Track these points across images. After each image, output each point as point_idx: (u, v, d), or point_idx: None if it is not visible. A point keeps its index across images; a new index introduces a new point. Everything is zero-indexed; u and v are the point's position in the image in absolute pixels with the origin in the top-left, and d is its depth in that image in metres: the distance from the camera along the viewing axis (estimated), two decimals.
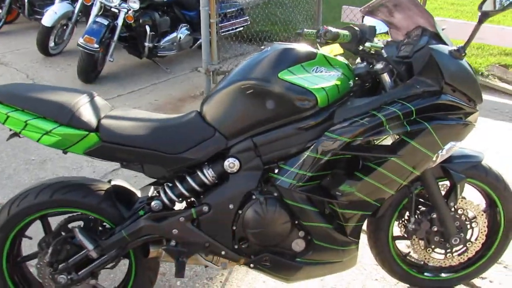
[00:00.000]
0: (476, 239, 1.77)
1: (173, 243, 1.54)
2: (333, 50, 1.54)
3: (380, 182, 1.44)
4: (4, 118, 1.37)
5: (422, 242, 1.75)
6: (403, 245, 1.98)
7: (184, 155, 1.46)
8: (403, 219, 1.75)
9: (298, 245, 1.54)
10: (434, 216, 1.67)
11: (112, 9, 4.37)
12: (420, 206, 1.72)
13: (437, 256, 1.80)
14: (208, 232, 1.51)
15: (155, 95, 4.34)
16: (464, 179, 1.63)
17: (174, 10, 4.92)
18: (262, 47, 1.53)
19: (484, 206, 1.80)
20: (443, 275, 1.86)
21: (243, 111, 1.44)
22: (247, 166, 1.47)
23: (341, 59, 1.54)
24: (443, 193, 1.68)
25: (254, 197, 1.48)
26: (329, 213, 1.53)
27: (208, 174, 1.48)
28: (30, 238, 1.64)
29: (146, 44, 4.48)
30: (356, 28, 1.40)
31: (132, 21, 4.38)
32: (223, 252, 1.54)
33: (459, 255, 1.79)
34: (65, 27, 5.15)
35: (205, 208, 1.49)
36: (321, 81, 1.41)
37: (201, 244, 1.52)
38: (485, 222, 1.75)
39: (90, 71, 4.34)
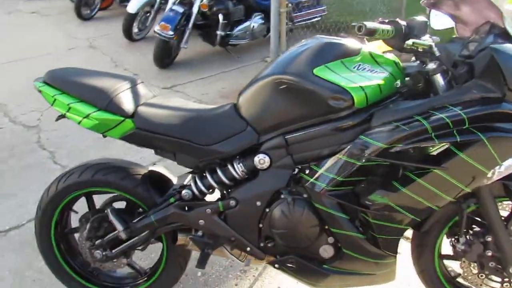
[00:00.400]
0: None
1: (200, 233, 1.54)
2: (381, 47, 1.41)
3: (420, 196, 1.30)
4: (52, 101, 1.47)
5: (474, 266, 1.56)
6: (455, 265, 1.79)
7: (214, 147, 1.45)
8: (454, 237, 1.57)
9: (326, 251, 1.46)
10: (489, 239, 1.47)
11: None
12: (474, 226, 1.53)
13: (492, 284, 1.59)
14: (234, 227, 1.49)
15: (224, 82, 4.41)
16: None
17: None
18: (303, 40, 1.45)
19: None
20: None
21: (276, 106, 1.38)
22: (278, 164, 1.42)
23: (390, 56, 1.40)
24: (506, 213, 1.48)
25: (282, 196, 1.43)
26: (361, 222, 1.42)
27: (238, 169, 1.46)
28: (76, 212, 1.75)
29: (218, 32, 4.55)
30: (402, 23, 1.26)
31: (207, 9, 4.47)
32: (248, 249, 1.51)
33: None
34: (148, 14, 5.45)
35: (232, 203, 1.47)
36: (361, 79, 1.30)
37: (226, 237, 1.51)
38: None
39: (165, 57, 4.54)
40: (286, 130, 1.39)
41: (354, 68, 1.33)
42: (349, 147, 1.30)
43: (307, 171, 1.40)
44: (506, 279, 1.53)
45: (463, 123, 1.23)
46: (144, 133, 1.45)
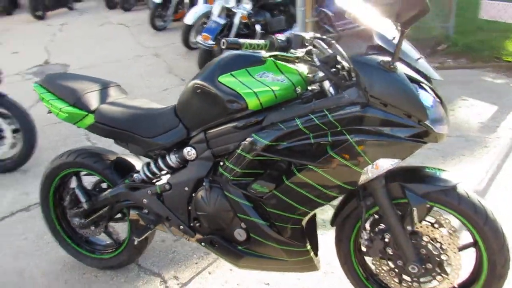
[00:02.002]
0: (449, 276, 1.58)
1: (145, 211, 1.86)
2: None
3: (302, 188, 1.47)
4: (41, 98, 1.91)
5: (384, 263, 1.66)
6: None
7: (155, 139, 1.76)
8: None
9: (240, 235, 1.67)
10: (388, 237, 1.57)
11: (233, 10, 4.89)
12: (381, 224, 1.62)
13: (408, 283, 1.66)
14: (169, 207, 1.79)
15: None
16: (424, 203, 1.48)
17: (290, 9, 5.16)
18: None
19: (472, 240, 1.57)
20: None
21: (196, 107, 1.64)
22: (201, 156, 1.68)
23: (297, 66, 1.58)
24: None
25: (204, 184, 1.68)
26: (263, 210, 1.61)
27: (173, 159, 1.75)
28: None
29: None
30: (277, 38, 1.44)
31: (247, 20, 4.81)
32: (181, 227, 1.79)
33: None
34: (204, 25, 5.96)
35: (167, 186, 1.76)
36: (258, 86, 1.50)
37: (164, 216, 1.81)
38: (459, 259, 1.54)
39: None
40: (205, 128, 1.65)
41: (257, 75, 1.54)
42: (243, 143, 1.51)
43: (221, 163, 1.64)
44: (414, 279, 1.60)
45: (335, 125, 1.38)
46: (102, 126, 1.82)
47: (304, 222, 1.59)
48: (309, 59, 1.47)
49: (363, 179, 1.43)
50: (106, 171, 1.94)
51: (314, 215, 1.71)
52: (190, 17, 5.73)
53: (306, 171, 1.44)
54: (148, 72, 5.49)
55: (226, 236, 1.71)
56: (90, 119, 1.83)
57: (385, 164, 1.40)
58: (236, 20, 4.85)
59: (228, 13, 4.99)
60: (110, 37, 7.74)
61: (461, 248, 1.56)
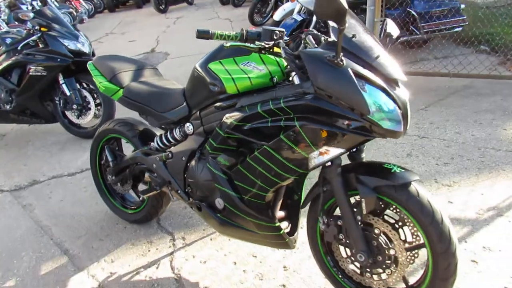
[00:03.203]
0: (396, 271, 1.60)
1: (155, 174, 2.20)
2: None
3: (259, 166, 1.63)
4: (91, 74, 2.36)
5: (342, 249, 1.74)
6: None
7: (165, 114, 2.07)
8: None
9: (219, 203, 1.90)
10: (340, 223, 1.66)
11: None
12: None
13: (356, 270, 1.73)
14: (171, 173, 2.09)
15: None
16: (373, 196, 1.54)
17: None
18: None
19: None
20: None
21: (194, 89, 1.90)
22: (197, 131, 1.95)
23: (280, 59, 1.73)
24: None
25: (195, 155, 1.95)
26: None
27: (177, 132, 2.05)
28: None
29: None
30: (248, 30, 1.59)
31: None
32: (178, 191, 2.09)
33: (379, 278, 1.67)
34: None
35: (170, 155, 2.07)
36: (239, 73, 1.70)
37: (166, 180, 2.12)
38: (405, 256, 1.57)
39: None
40: (200, 107, 1.91)
41: (241, 64, 1.73)
42: (219, 121, 1.74)
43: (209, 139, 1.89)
44: (367, 268, 1.66)
45: (287, 112, 1.52)
46: (128, 99, 2.20)
47: (267, 199, 1.75)
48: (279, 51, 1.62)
49: (312, 164, 1.55)
50: (134, 138, 2.33)
51: (298, 195, 1.85)
52: (278, 14, 6.02)
53: (262, 150, 1.60)
54: None
55: (209, 203, 1.95)
56: (120, 93, 2.23)
57: (331, 152, 1.50)
58: (315, 17, 4.98)
59: (310, 11, 5.14)
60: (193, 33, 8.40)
61: (411, 247, 1.58)
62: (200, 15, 11.12)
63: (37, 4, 4.21)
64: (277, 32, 1.61)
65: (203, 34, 1.58)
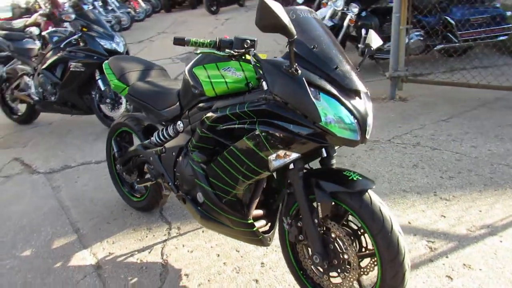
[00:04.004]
0: (348, 276, 1.65)
1: (152, 166, 2.38)
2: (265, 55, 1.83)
3: (227, 164, 1.75)
4: (105, 73, 2.59)
5: (305, 250, 1.81)
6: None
7: (161, 111, 2.25)
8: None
9: (200, 197, 2.03)
10: (300, 224, 1.73)
11: (344, 12, 5.04)
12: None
13: (315, 271, 1.79)
14: (164, 166, 2.27)
15: None
16: (329, 201, 1.59)
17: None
18: None
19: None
20: None
21: (183, 90, 2.05)
22: (185, 129, 2.10)
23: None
24: None
25: (183, 151, 2.11)
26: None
27: (171, 129, 2.21)
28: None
29: (359, 45, 4.90)
30: (221, 39, 1.69)
31: (353, 24, 4.90)
32: (169, 183, 2.25)
33: (335, 282, 1.72)
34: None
35: (163, 150, 2.24)
36: (218, 77, 1.82)
37: (160, 172, 2.30)
38: (356, 261, 1.61)
39: None
40: (189, 107, 2.05)
41: (222, 69, 1.85)
42: (198, 122, 1.87)
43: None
44: (321, 269, 1.72)
45: (251, 116, 1.62)
46: (132, 97, 2.40)
47: (239, 196, 1.85)
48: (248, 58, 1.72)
49: (272, 166, 1.63)
50: (139, 132, 2.54)
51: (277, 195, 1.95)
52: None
53: (229, 150, 1.72)
54: None
55: (193, 197, 2.10)
56: (126, 91, 2.44)
57: (289, 156, 1.58)
58: (345, 23, 4.98)
59: (343, 16, 5.15)
60: (257, 32, 8.56)
61: (362, 254, 1.62)
62: (248, 17, 11.34)
63: (98, 4, 4.62)
64: (248, 41, 1.70)
65: (178, 41, 1.73)
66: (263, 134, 1.57)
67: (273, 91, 1.53)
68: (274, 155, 1.60)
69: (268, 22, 1.35)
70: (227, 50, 1.71)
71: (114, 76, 2.51)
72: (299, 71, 1.48)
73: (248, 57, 1.72)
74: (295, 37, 1.42)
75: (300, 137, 1.51)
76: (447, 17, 4.90)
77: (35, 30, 5.83)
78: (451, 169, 2.84)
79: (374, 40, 1.88)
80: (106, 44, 4.04)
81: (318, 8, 8.05)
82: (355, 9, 4.80)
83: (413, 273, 1.98)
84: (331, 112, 1.48)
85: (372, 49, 1.86)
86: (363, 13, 5.01)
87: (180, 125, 2.12)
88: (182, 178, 2.11)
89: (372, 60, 5.21)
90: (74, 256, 2.44)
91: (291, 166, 1.66)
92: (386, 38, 4.98)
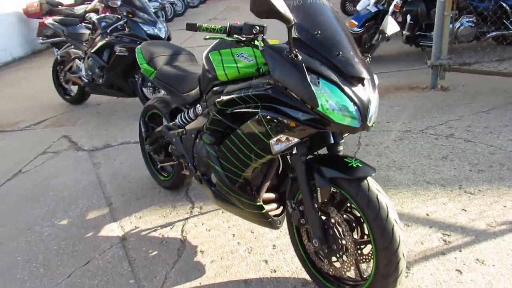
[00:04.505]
0: (345, 262, 1.67)
1: (174, 147, 2.51)
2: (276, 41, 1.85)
3: (234, 147, 1.81)
4: (137, 57, 2.74)
5: (307, 234, 1.85)
6: None
7: (183, 95, 2.36)
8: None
9: (213, 178, 2.12)
10: (302, 208, 1.76)
11: None
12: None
13: (318, 256, 1.82)
14: (184, 148, 2.38)
15: (383, 79, 4.61)
16: (328, 187, 1.62)
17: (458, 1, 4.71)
18: None
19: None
20: (329, 283, 1.83)
21: (202, 74, 2.13)
22: (203, 112, 2.19)
23: None
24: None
25: (200, 133, 2.20)
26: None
27: (191, 112, 2.32)
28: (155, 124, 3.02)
29: (404, 32, 4.72)
30: (232, 24, 1.73)
31: (398, 10, 4.72)
32: (189, 164, 2.37)
33: (334, 267, 1.74)
34: None
35: (184, 132, 2.35)
36: (231, 62, 1.88)
37: (181, 153, 2.42)
38: (353, 247, 1.62)
39: None
40: (206, 90, 2.14)
41: (236, 55, 1.91)
42: (206, 104, 1.95)
43: None
44: (322, 254, 1.76)
45: (255, 100, 1.67)
46: (158, 80, 2.52)
47: (248, 178, 1.91)
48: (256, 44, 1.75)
49: (274, 150, 1.68)
50: (166, 114, 2.67)
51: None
52: (361, 4, 5.88)
53: (236, 133, 1.78)
54: None
55: (208, 177, 2.19)
56: (154, 74, 2.57)
57: (290, 140, 1.62)
58: (391, 9, 4.82)
59: (390, 1, 4.98)
60: None
61: (359, 241, 1.64)
62: None
63: None
64: (257, 27, 1.74)
65: (191, 27, 1.80)
66: (264, 118, 1.61)
67: (274, 76, 1.56)
68: (275, 139, 1.64)
69: (262, 8, 1.38)
70: (235, 36, 1.75)
71: (144, 60, 2.65)
72: (299, 57, 1.51)
73: (257, 42, 1.76)
74: (293, 23, 1.44)
75: (299, 122, 1.54)
76: (502, 3, 4.58)
77: (94, 16, 6.18)
78: (482, 162, 2.72)
79: (390, 26, 1.84)
80: (149, 29, 4.22)
81: None
82: None
83: (421, 264, 1.96)
84: (330, 98, 1.49)
85: (386, 35, 1.83)
86: None
87: (199, 108, 2.21)
88: (199, 159, 2.21)
89: (418, 48, 5.00)
90: (104, 228, 2.65)
91: (294, 151, 1.69)
92: (429, 24, 4.78)
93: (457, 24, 4.70)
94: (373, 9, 4.87)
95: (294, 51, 1.50)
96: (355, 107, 1.51)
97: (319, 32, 1.57)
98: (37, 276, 2.29)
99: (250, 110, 1.69)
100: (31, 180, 3.45)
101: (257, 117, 1.65)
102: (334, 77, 1.51)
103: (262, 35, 1.74)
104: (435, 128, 3.28)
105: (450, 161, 2.79)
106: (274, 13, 1.38)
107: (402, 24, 4.83)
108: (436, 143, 3.03)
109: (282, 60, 1.54)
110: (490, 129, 3.13)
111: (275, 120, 1.59)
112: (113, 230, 2.61)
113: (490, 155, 2.79)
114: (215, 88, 1.98)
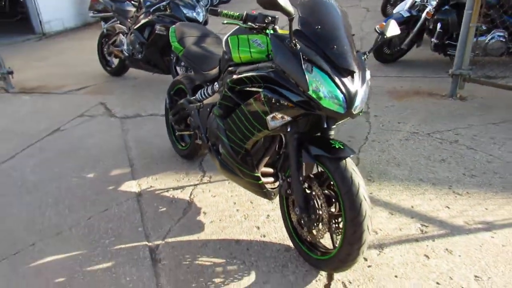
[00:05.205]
0: (319, 231, 1.91)
1: (192, 119, 2.80)
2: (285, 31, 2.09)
3: (239, 120, 2.07)
4: (170, 36, 3.04)
5: (292, 203, 2.09)
6: None
7: (205, 73, 2.64)
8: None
9: (220, 148, 2.40)
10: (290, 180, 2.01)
11: (425, 4, 4.96)
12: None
13: (299, 224, 2.06)
14: (200, 119, 2.67)
15: (406, 83, 4.73)
16: (312, 163, 1.86)
17: (494, 13, 4.74)
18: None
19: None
20: (312, 252, 2.07)
21: (222, 56, 2.41)
22: (219, 89, 2.47)
23: None
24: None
25: (214, 107, 2.48)
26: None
27: (210, 88, 2.60)
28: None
29: (433, 39, 4.80)
30: (248, 13, 1.96)
31: (430, 17, 4.81)
32: (202, 135, 2.65)
33: (311, 234, 1.99)
34: None
35: (201, 105, 2.64)
36: (246, 47, 2.13)
37: (197, 125, 2.71)
38: (327, 218, 1.86)
39: (381, 53, 5.27)
40: (224, 70, 2.41)
41: (251, 40, 2.16)
42: (222, 82, 2.22)
43: None
44: (302, 221, 2.00)
45: (258, 81, 1.92)
46: (185, 58, 2.81)
47: (249, 149, 2.17)
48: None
49: (270, 125, 1.93)
50: (189, 90, 2.97)
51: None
52: (398, 7, 5.98)
53: (240, 108, 2.05)
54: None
55: (216, 147, 2.47)
56: (182, 52, 2.87)
57: (282, 118, 1.86)
58: (423, 15, 4.91)
59: (423, 8, 5.07)
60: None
61: (333, 214, 1.87)
62: (342, 1, 11.24)
63: None
64: (269, 17, 1.98)
65: (213, 12, 2.07)
66: (264, 97, 1.87)
67: (276, 61, 1.81)
68: (271, 116, 1.89)
69: (265, 1, 1.62)
70: (249, 24, 2.01)
71: (175, 39, 2.95)
72: (298, 46, 1.75)
73: (268, 31, 2.01)
74: (293, 16, 1.69)
75: (292, 103, 1.78)
76: None
77: None
78: (477, 168, 2.86)
79: (391, 29, 2.04)
80: (188, 12, 4.54)
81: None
82: (433, 1, 4.70)
83: (395, 247, 2.17)
84: (321, 84, 1.72)
85: (385, 37, 2.03)
86: (445, 7, 4.88)
87: (216, 85, 2.49)
88: (210, 131, 2.49)
89: (446, 57, 5.06)
90: (124, 184, 2.99)
91: (289, 129, 1.94)
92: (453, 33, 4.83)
93: (488, 37, 4.73)
94: (405, 14, 4.97)
95: (294, 41, 1.74)
96: (342, 95, 1.73)
97: (319, 27, 1.80)
98: (62, 216, 2.66)
99: (254, 89, 1.95)
100: (67, 137, 3.86)
101: (258, 95, 1.90)
102: (326, 66, 1.74)
103: (273, 25, 1.99)
104: (442, 133, 3.42)
105: (448, 164, 2.94)
106: (275, 6, 1.62)
107: (432, 32, 4.92)
108: (439, 147, 3.18)
109: (283, 48, 1.78)
110: (495, 140, 3.25)
111: (273, 99, 1.84)
112: (131, 186, 2.95)
113: (487, 163, 2.93)
114: (230, 68, 2.24)
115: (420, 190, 2.65)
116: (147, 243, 2.34)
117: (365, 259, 2.09)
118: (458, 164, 2.93)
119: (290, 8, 1.65)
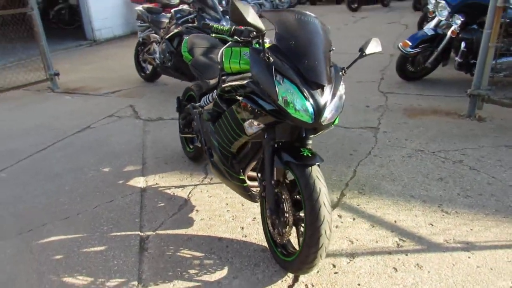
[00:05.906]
0: (285, 233, 2.03)
1: (195, 122, 3.00)
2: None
3: (223, 125, 2.24)
4: (182, 46, 3.28)
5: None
6: None
7: (207, 81, 2.84)
8: None
9: (213, 151, 2.58)
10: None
11: (450, 23, 4.92)
12: None
13: (270, 225, 2.18)
14: (201, 124, 2.87)
15: (425, 101, 4.68)
16: (281, 168, 1.99)
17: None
18: None
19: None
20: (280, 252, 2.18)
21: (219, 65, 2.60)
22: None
23: None
24: None
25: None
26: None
27: (210, 95, 2.79)
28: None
29: (457, 58, 4.74)
30: (236, 27, 2.12)
31: (455, 36, 4.76)
32: (201, 138, 2.85)
33: (279, 235, 2.10)
34: None
35: (202, 111, 2.84)
36: (236, 58, 2.30)
37: (198, 129, 2.91)
38: (291, 221, 1.97)
39: (404, 70, 5.25)
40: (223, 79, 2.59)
41: (242, 53, 2.33)
42: (215, 90, 2.40)
43: None
44: (275, 224, 2.13)
45: (240, 90, 2.08)
46: (193, 67, 3.03)
47: (234, 153, 2.33)
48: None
49: (248, 131, 2.08)
50: (198, 96, 3.18)
51: None
52: (427, 25, 5.94)
53: (224, 114, 2.22)
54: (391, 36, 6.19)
55: (210, 150, 2.65)
56: (191, 61, 3.09)
57: (257, 124, 2.01)
58: (448, 34, 4.87)
59: (448, 26, 5.02)
60: (379, 33, 8.57)
61: (297, 217, 1.98)
62: (385, 18, 11.20)
63: None
64: (254, 32, 2.14)
65: (205, 26, 2.26)
66: (241, 104, 2.03)
67: (252, 72, 1.97)
68: (248, 122, 2.05)
69: (236, 18, 1.79)
70: (235, 37, 2.18)
71: (186, 49, 3.18)
72: (271, 59, 1.89)
73: (254, 45, 2.17)
74: (264, 32, 1.84)
75: (264, 111, 1.93)
76: None
77: (186, 7, 6.97)
78: (474, 189, 2.83)
79: (372, 46, 2.13)
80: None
81: (425, 16, 7.74)
82: (458, 20, 4.65)
83: (366, 257, 2.23)
84: (289, 95, 1.85)
85: (364, 54, 2.12)
86: (472, 26, 4.81)
87: (215, 93, 2.68)
88: (205, 135, 2.68)
89: (471, 76, 4.96)
90: (133, 179, 3.24)
91: (265, 136, 2.08)
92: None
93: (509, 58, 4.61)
94: (430, 32, 4.93)
95: (267, 54, 1.89)
96: (311, 107, 1.85)
97: (293, 42, 1.94)
98: (74, 202, 2.94)
99: (237, 97, 2.11)
100: (94, 135, 4.21)
101: (238, 102, 2.06)
102: (296, 79, 1.87)
103: (257, 39, 2.15)
104: (447, 152, 3.39)
105: (445, 183, 2.93)
106: (245, 23, 1.78)
107: (456, 51, 4.85)
108: (440, 165, 3.17)
109: (259, 60, 1.94)
110: (502, 162, 3.18)
111: (249, 107, 1.99)
112: (139, 182, 3.19)
113: (487, 185, 2.89)
114: (222, 77, 2.43)
115: (409, 206, 2.68)
116: (139, 233, 2.55)
117: (334, 266, 2.17)
118: (455, 184, 2.91)
119: (259, 24, 1.81)
